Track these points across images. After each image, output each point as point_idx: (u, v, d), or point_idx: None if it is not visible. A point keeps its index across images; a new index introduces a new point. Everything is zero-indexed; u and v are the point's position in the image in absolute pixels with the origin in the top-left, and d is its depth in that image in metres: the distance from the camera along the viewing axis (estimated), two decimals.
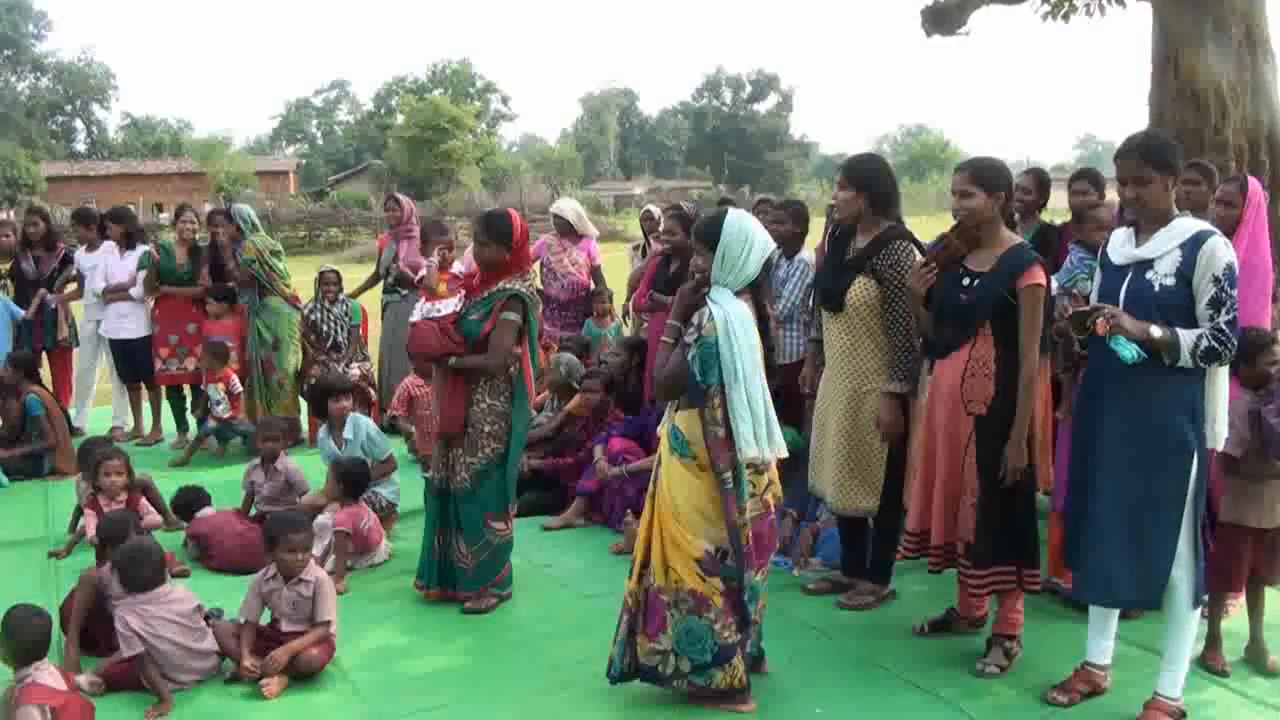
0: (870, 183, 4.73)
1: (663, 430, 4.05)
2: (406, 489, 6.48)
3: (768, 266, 4.02)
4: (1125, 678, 4.12)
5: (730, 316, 3.77)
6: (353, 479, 5.75)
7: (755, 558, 3.93)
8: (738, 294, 3.89)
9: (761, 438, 3.78)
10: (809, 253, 6.49)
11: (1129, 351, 3.55)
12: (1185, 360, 3.58)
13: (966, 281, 4.24)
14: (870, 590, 5.01)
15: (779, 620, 4.77)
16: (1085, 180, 5.71)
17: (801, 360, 6.13)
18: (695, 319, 3.83)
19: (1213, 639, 4.33)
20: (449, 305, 5.16)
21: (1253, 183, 5.06)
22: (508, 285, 5.00)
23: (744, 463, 3.80)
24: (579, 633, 4.84)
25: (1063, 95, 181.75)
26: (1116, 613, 4.04)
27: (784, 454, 3.92)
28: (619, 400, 6.92)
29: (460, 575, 5.14)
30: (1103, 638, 4.06)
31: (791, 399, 6.14)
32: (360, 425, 6.29)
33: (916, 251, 4.63)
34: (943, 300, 4.31)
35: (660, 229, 7.70)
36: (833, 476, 4.86)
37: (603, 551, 5.91)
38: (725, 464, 3.78)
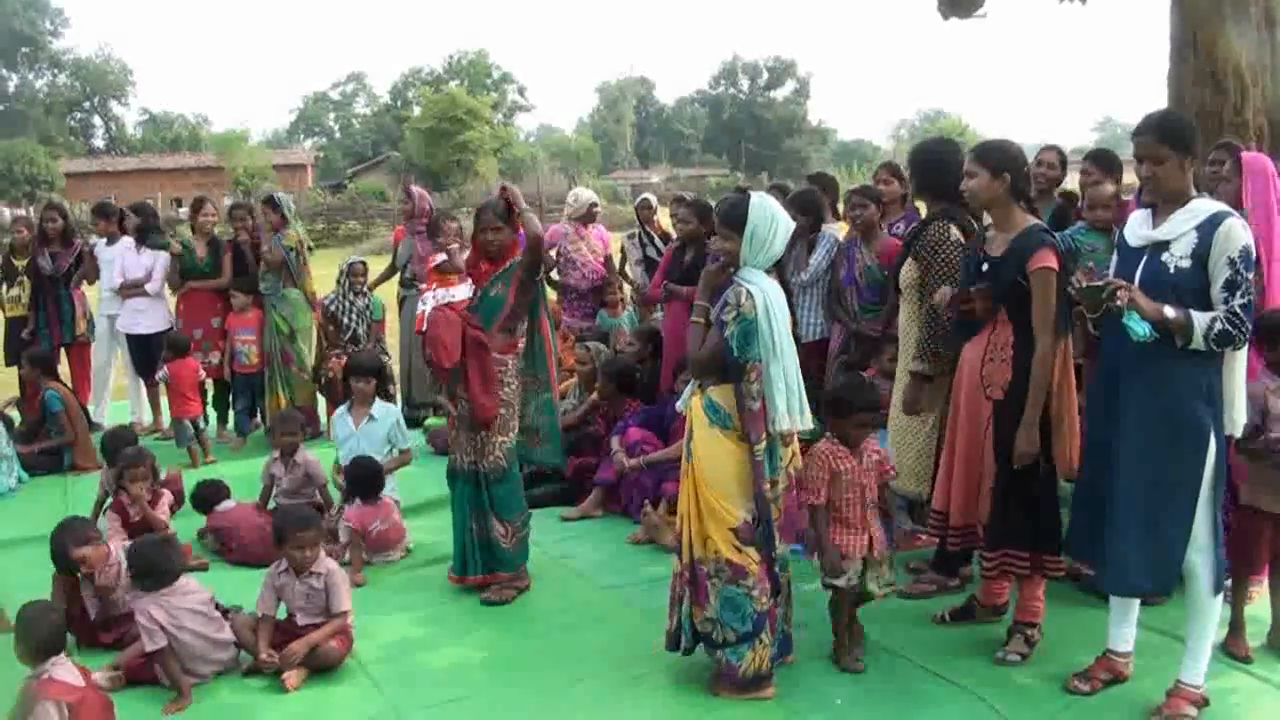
0: (910, 171, 5.02)
1: (693, 405, 4.13)
2: (421, 480, 6.49)
3: (790, 244, 4.16)
4: (1147, 665, 4.09)
5: (769, 295, 3.95)
6: (362, 480, 5.75)
7: (790, 527, 4.10)
8: (766, 272, 4.05)
9: (794, 409, 3.97)
10: (837, 226, 6.49)
11: (1142, 329, 3.51)
12: (1198, 342, 3.53)
13: (985, 267, 4.22)
14: (934, 580, 5.01)
15: (800, 609, 4.74)
16: (1088, 161, 5.67)
17: (819, 340, 6.13)
18: (731, 298, 3.97)
19: (1235, 625, 4.29)
20: (461, 291, 5.18)
21: (1254, 155, 4.96)
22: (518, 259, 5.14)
23: (777, 434, 3.97)
24: (598, 624, 4.84)
25: (1081, 77, 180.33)
26: (1138, 600, 4.00)
27: (810, 425, 4.06)
28: (634, 390, 6.90)
29: (504, 555, 5.17)
30: (1124, 625, 4.02)
31: (815, 382, 6.14)
32: (391, 410, 6.34)
33: (955, 230, 4.73)
34: (966, 284, 4.32)
35: (666, 218, 7.68)
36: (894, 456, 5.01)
37: (621, 542, 5.90)
38: (759, 436, 3.93)
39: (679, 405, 4.36)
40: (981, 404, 4.22)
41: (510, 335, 5.12)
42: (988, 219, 4.52)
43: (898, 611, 4.79)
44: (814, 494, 4.14)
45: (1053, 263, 4.03)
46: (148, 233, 8.66)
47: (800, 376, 4.04)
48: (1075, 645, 4.30)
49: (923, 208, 5.62)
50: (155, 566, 4.35)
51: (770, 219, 3.99)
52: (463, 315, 5.09)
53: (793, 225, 4.12)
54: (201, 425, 8.10)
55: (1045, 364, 4.03)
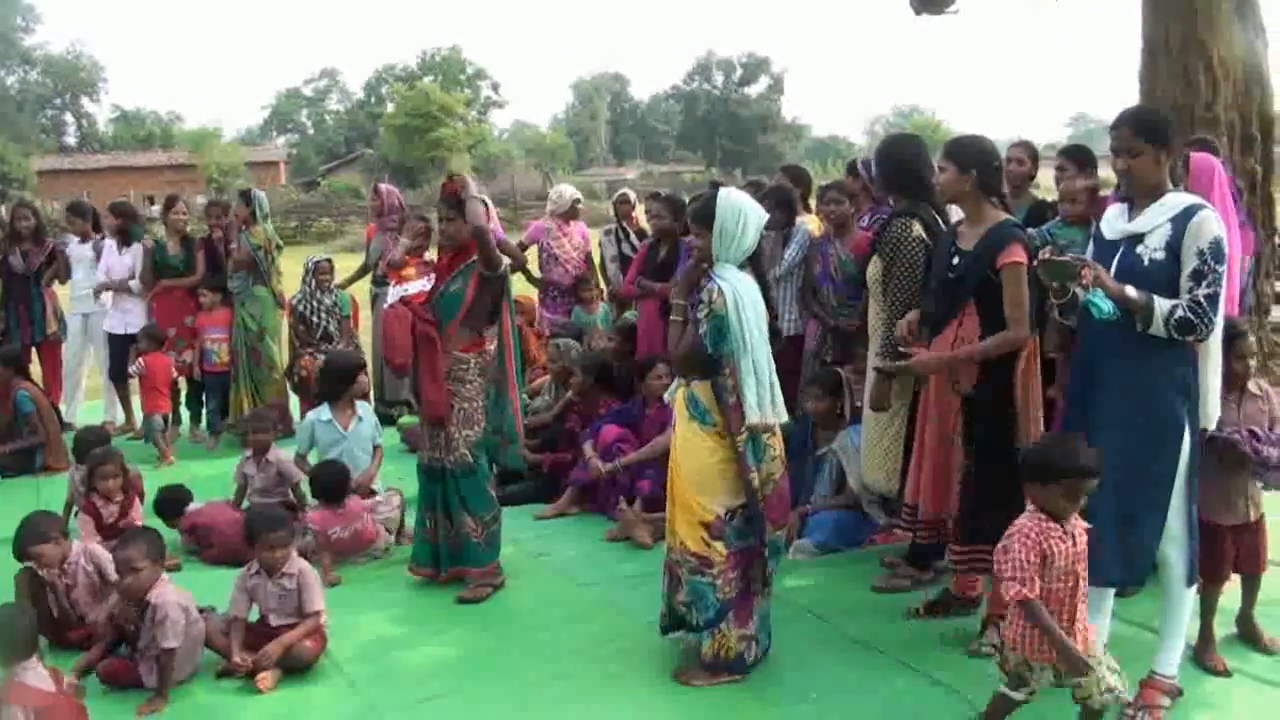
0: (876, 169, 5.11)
1: (677, 399, 4.18)
2: (394, 478, 6.45)
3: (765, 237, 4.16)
4: (1120, 655, 4.07)
5: (739, 290, 3.95)
6: (327, 483, 5.72)
7: (776, 512, 4.12)
8: (740, 267, 4.07)
9: (765, 403, 3.99)
10: (809, 219, 6.49)
11: (1106, 306, 3.54)
12: (1158, 327, 3.55)
13: (955, 260, 4.23)
14: (909, 574, 5.03)
15: (775, 604, 4.73)
16: (1062, 156, 5.69)
17: (794, 336, 6.14)
18: (703, 295, 3.99)
19: (1206, 638, 4.20)
20: (416, 285, 5.17)
21: (1201, 156, 4.99)
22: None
23: (751, 426, 3.96)
24: (575, 621, 4.83)
25: (1054, 74, 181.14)
26: (1111, 592, 4.01)
27: (784, 418, 4.10)
28: (612, 386, 6.88)
29: (473, 549, 5.14)
30: (1098, 616, 4.02)
31: (788, 378, 6.14)
32: (367, 408, 6.30)
33: (918, 227, 4.72)
34: (935, 277, 4.34)
35: (643, 213, 7.67)
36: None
37: (597, 540, 5.89)
38: (739, 428, 3.96)
39: (665, 396, 4.45)
40: (950, 399, 4.25)
41: (473, 333, 5.08)
42: (958, 214, 4.54)
43: (873, 605, 4.81)
44: (1024, 583, 3.32)
45: (1021, 257, 4.05)
46: (131, 232, 8.59)
47: (773, 370, 4.07)
48: None
49: None
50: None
51: (738, 213, 4.01)
52: (415, 310, 5.11)
53: (764, 218, 4.13)
54: (162, 425, 8.03)
55: (1006, 343, 4.06)
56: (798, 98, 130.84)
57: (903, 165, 4.94)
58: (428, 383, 5.11)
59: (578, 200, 8.75)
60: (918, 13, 9.70)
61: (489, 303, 5.08)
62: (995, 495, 4.13)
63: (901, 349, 4.42)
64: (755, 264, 4.18)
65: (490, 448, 5.20)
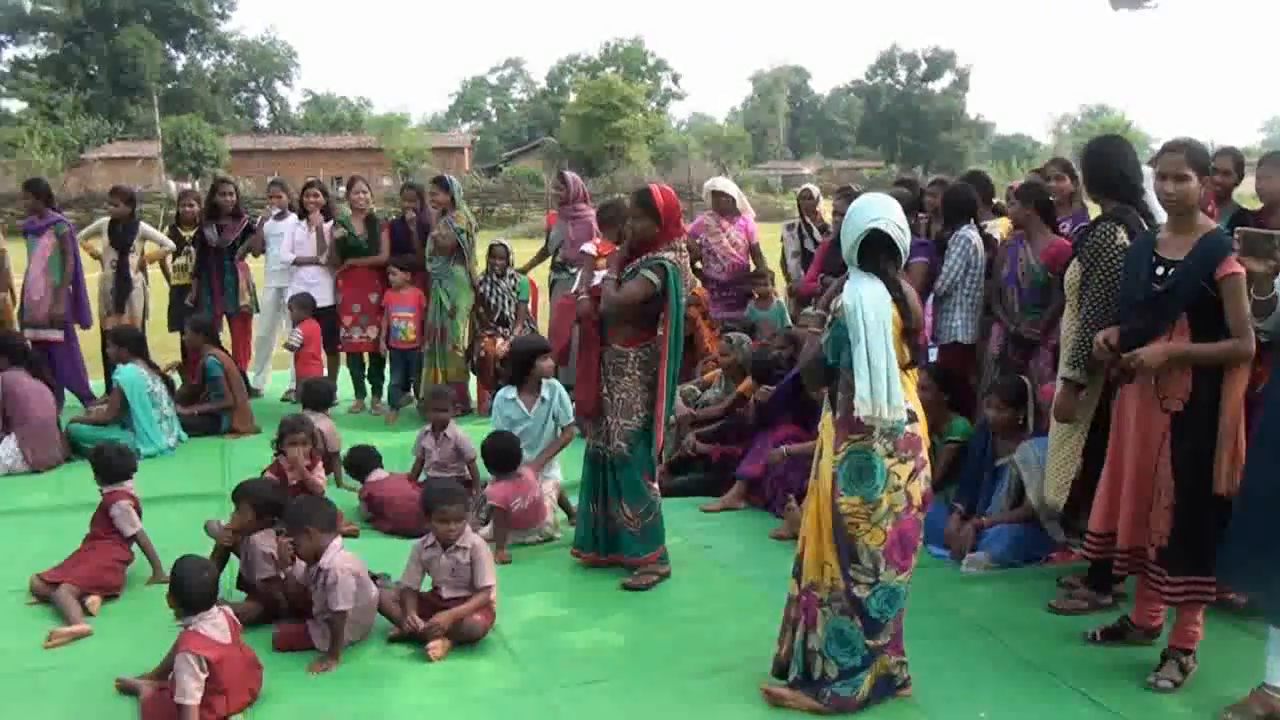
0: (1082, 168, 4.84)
1: (824, 423, 3.95)
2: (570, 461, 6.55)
3: (892, 246, 3.81)
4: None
5: (862, 296, 3.71)
6: (500, 456, 5.81)
7: (898, 556, 3.81)
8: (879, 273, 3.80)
9: (880, 393, 3.63)
10: (999, 224, 6.31)
11: None
12: None
13: (1161, 270, 4.00)
14: (1087, 596, 4.81)
15: (946, 618, 4.66)
16: (1269, 164, 5.35)
17: (959, 343, 5.98)
18: (833, 305, 3.85)
19: None
20: (596, 278, 5.26)
21: None
22: (656, 254, 5.06)
23: (864, 419, 3.65)
24: (737, 616, 4.82)
25: (1249, 75, 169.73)
26: None
27: (902, 416, 3.69)
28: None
29: (628, 540, 5.20)
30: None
31: (961, 385, 5.98)
32: (556, 388, 6.36)
33: (1122, 233, 4.47)
34: (1134, 289, 4.09)
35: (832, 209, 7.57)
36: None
37: (763, 536, 5.86)
38: (845, 444, 3.76)
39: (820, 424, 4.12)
40: (1156, 418, 4.00)
41: (636, 329, 5.11)
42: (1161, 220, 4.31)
43: (1046, 626, 4.64)
44: None
45: (1240, 268, 3.82)
46: (326, 211, 8.99)
47: (894, 364, 3.68)
48: (1229, 676, 4.06)
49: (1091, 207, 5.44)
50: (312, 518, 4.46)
51: (849, 219, 3.86)
52: (581, 303, 5.19)
53: (868, 228, 3.77)
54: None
55: (1235, 352, 3.82)
56: (981, 94, 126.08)
57: (1111, 167, 4.68)
58: (581, 379, 5.23)
59: (720, 194, 8.69)
60: (1115, 7, 9.32)
61: (651, 305, 5.08)
62: (1209, 523, 3.91)
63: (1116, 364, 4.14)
64: (884, 272, 3.80)
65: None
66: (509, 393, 6.34)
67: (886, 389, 3.65)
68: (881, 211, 3.80)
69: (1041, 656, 4.36)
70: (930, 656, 4.23)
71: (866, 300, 3.70)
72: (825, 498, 3.84)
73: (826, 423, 3.93)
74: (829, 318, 3.83)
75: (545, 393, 6.29)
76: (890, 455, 3.74)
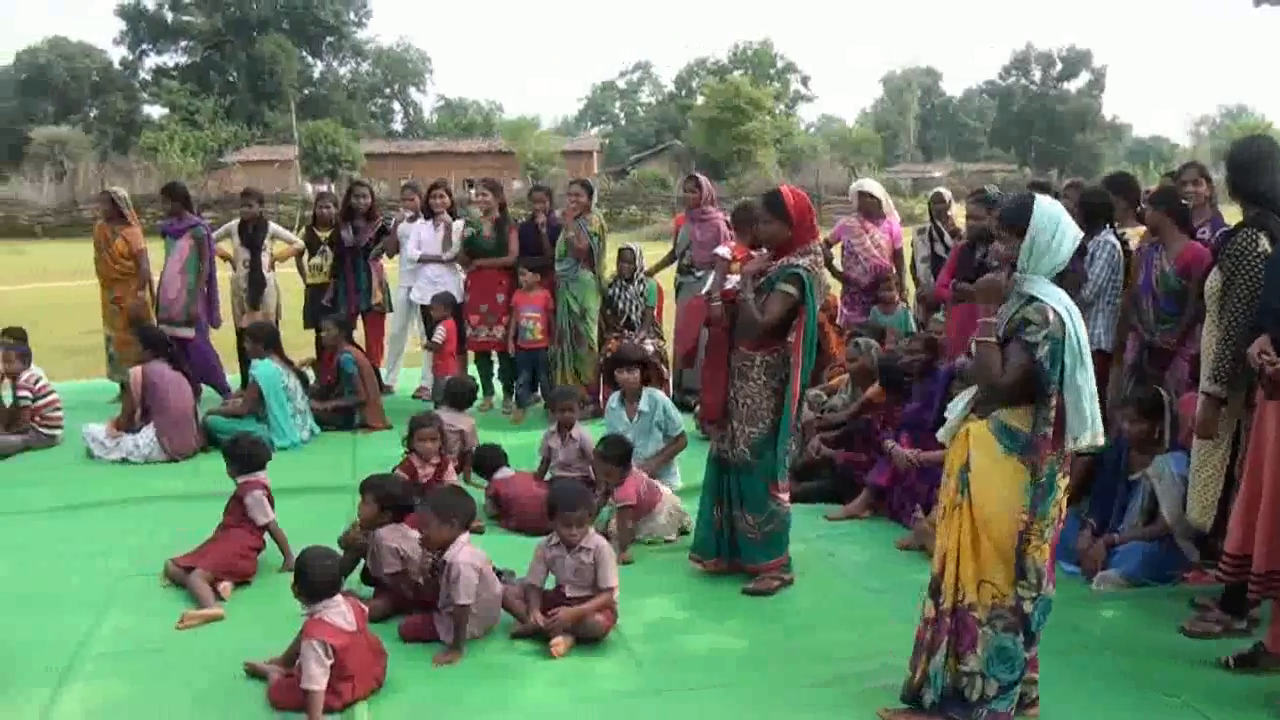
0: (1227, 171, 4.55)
1: (972, 434, 3.77)
2: (690, 466, 6.55)
3: (1079, 253, 3.79)
4: None
5: (1069, 307, 3.63)
6: (614, 446, 5.83)
7: (1051, 568, 3.74)
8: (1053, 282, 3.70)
9: (1097, 417, 3.62)
10: (1137, 231, 6.08)
11: None
12: None
13: None
14: (1221, 620, 4.60)
15: (1070, 635, 4.51)
16: None
17: (1101, 351, 5.77)
18: (1034, 317, 3.60)
19: None
20: (730, 281, 5.24)
21: None
22: (791, 261, 4.98)
23: (1075, 449, 3.66)
24: (860, 626, 4.75)
25: None
26: None
27: (1100, 441, 3.67)
28: (904, 395, 6.68)
29: (748, 547, 5.17)
30: None
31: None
32: (657, 399, 6.43)
33: (1265, 240, 4.28)
34: (1276, 299, 3.91)
35: (965, 214, 7.40)
36: None
37: (887, 546, 5.77)
38: (1045, 464, 3.63)
39: (940, 435, 3.98)
40: None
41: (759, 335, 5.03)
42: None
43: (1178, 649, 4.45)
44: None
45: None
46: (454, 212, 9.19)
47: (1094, 388, 3.66)
48: None
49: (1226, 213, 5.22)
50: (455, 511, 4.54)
51: (1054, 224, 3.63)
52: (714, 308, 5.14)
53: (1079, 235, 3.72)
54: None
55: None
56: (1118, 94, 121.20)
57: (1255, 170, 4.45)
58: (708, 384, 5.21)
59: (867, 194, 8.60)
60: (1257, 4, 8.94)
61: (778, 312, 4.97)
62: None
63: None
64: (1060, 280, 3.73)
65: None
66: (614, 400, 6.47)
67: (1095, 411, 3.62)
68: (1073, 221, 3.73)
69: (1172, 680, 4.19)
70: (1057, 675, 4.09)
71: (1073, 311, 3.63)
72: (996, 515, 3.68)
73: (976, 433, 3.75)
74: (1042, 332, 3.57)
75: (644, 405, 6.30)
76: (1060, 471, 3.69)
